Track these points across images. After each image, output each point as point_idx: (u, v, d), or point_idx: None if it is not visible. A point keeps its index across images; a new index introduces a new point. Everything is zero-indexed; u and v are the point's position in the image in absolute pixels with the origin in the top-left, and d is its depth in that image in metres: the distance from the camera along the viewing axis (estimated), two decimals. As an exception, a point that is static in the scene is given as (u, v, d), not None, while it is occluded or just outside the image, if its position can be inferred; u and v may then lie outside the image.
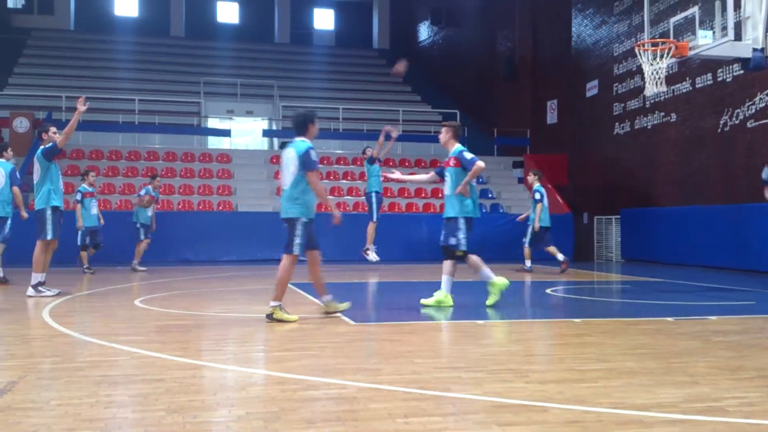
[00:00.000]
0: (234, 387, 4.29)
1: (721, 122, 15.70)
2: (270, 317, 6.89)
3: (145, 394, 4.01)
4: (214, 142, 23.77)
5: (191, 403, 3.83)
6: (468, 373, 4.70)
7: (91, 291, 10.05)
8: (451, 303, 8.02)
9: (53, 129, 9.40)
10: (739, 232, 14.42)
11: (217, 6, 35.48)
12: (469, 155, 8.10)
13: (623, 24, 19.40)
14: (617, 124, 19.61)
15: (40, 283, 9.08)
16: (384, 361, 4.97)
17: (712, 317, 7.25)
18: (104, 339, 5.81)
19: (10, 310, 7.96)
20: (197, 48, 30.87)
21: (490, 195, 20.61)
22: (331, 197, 7.41)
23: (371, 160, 14.86)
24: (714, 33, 11.25)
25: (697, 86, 16.49)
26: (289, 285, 11.03)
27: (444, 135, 8.50)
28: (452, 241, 8.05)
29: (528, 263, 14.07)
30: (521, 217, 15.05)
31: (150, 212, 14.32)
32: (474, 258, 8.05)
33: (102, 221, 13.85)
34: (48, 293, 9.01)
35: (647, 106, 18.27)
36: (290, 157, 7.11)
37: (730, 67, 15.10)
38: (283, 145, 24.04)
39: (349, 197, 19.66)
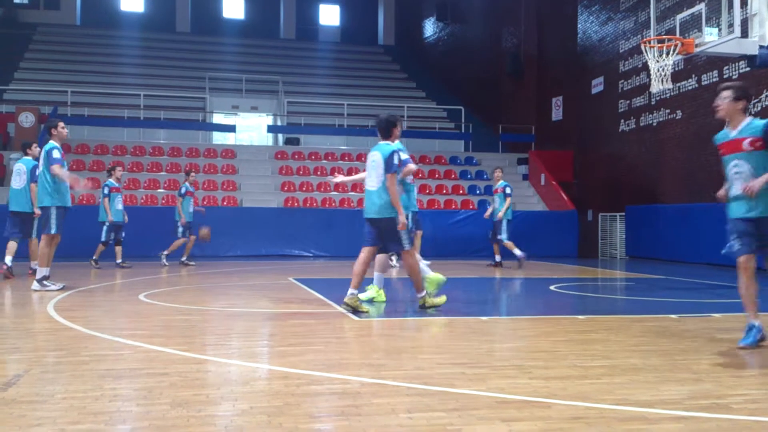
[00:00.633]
0: (238, 381, 4.30)
1: (727, 120, 15.64)
2: (423, 307, 7.24)
3: (149, 388, 4.02)
4: (218, 138, 23.79)
5: (195, 397, 3.84)
6: (472, 368, 4.70)
7: (96, 285, 10.07)
8: (383, 298, 8.12)
9: (62, 124, 9.42)
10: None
11: (223, 2, 35.48)
12: (404, 155, 8.20)
13: (629, 21, 19.34)
14: (622, 121, 19.56)
15: (45, 277, 9.11)
16: (388, 357, 4.98)
17: (717, 315, 7.24)
18: (109, 333, 5.82)
19: (15, 304, 7.98)
20: (203, 43, 30.88)
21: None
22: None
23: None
24: (720, 30, 11.21)
25: (703, 83, 16.44)
26: (292, 280, 11.06)
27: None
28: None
29: (518, 252, 13.96)
30: (487, 213, 14.86)
31: (191, 209, 14.42)
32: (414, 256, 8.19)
33: (126, 218, 13.90)
34: (53, 287, 9.03)
35: (653, 103, 18.22)
36: (377, 159, 7.48)
37: (737, 64, 15.05)
38: (288, 141, 24.04)
39: (353, 193, 19.65)
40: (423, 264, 8.10)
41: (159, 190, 19.00)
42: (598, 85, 20.72)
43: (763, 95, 14.56)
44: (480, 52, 27.47)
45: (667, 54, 11.35)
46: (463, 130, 24.49)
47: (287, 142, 23.39)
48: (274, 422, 3.39)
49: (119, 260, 13.40)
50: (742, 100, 5.64)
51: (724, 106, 5.69)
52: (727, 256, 5.70)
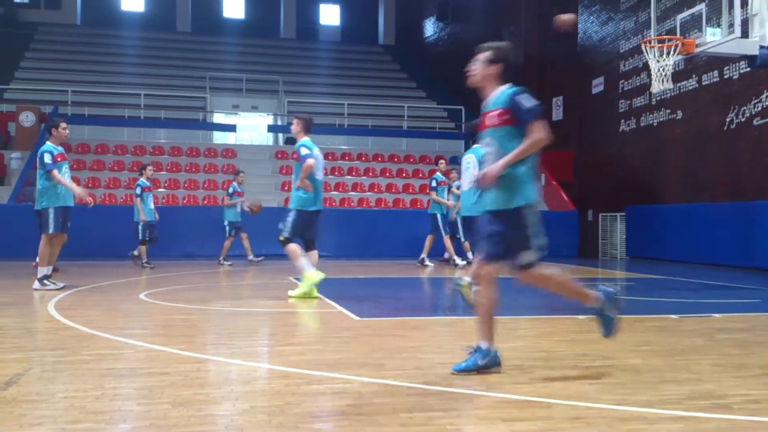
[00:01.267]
0: (238, 381, 4.30)
1: (728, 120, 15.65)
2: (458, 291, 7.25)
3: (150, 387, 4.02)
4: (219, 137, 23.79)
5: (196, 396, 3.84)
6: (472, 368, 4.70)
7: (96, 285, 10.07)
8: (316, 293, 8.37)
9: (63, 124, 9.41)
10: (745, 230, 14.39)
11: (223, 1, 35.47)
12: (304, 151, 8.30)
13: (630, 21, 19.34)
14: (623, 121, 19.56)
15: (46, 277, 9.12)
16: (388, 356, 4.98)
17: (717, 315, 7.24)
18: (109, 332, 5.83)
19: (16, 303, 7.98)
20: (203, 43, 30.88)
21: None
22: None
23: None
24: (721, 30, 11.21)
25: (703, 83, 16.44)
26: (293, 280, 11.05)
27: (295, 126, 8.68)
28: (280, 225, 8.43)
29: (470, 255, 13.84)
30: (452, 214, 14.65)
31: (238, 208, 14.43)
32: (292, 247, 8.32)
33: (157, 216, 13.91)
34: (53, 287, 9.04)
35: (653, 103, 18.21)
36: (471, 162, 7.85)
37: (737, 64, 15.04)
38: (288, 141, 24.02)
39: (353, 193, 19.66)
40: (303, 261, 8.32)
41: (160, 190, 19.00)
42: (598, 85, 20.71)
43: (764, 95, 14.55)
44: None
45: (668, 54, 11.36)
46: (463, 130, 24.49)
47: (288, 141, 23.39)
48: (275, 422, 3.39)
49: (144, 260, 13.39)
50: (497, 64, 4.50)
51: (477, 71, 4.57)
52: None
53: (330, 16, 36.67)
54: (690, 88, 16.84)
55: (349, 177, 20.78)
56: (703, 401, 3.82)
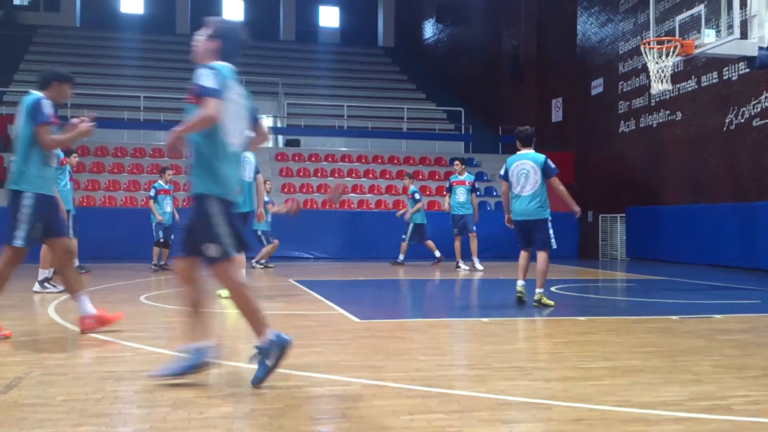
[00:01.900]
0: (239, 383, 4.30)
1: (727, 121, 15.65)
2: (538, 302, 7.88)
3: (150, 390, 4.02)
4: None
5: (197, 399, 3.84)
6: (472, 370, 4.71)
7: (96, 287, 10.06)
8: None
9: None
10: (745, 231, 14.39)
11: (223, 3, 35.49)
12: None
13: (629, 22, 19.35)
14: (622, 122, 19.57)
15: (47, 279, 9.12)
16: (388, 359, 4.97)
17: (718, 316, 7.24)
18: (110, 335, 5.82)
19: (16, 305, 7.97)
20: (202, 45, 30.85)
21: (494, 193, 20.57)
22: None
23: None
24: (720, 31, 11.21)
25: (702, 85, 16.45)
26: (293, 282, 11.06)
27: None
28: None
29: (401, 257, 15.07)
30: (400, 213, 15.73)
31: (269, 218, 14.40)
32: None
33: (177, 217, 13.87)
34: (53, 290, 9.04)
35: (653, 104, 18.22)
36: (528, 167, 8.40)
37: (736, 65, 15.05)
38: (288, 143, 23.99)
39: (353, 195, 19.65)
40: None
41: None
42: (597, 87, 20.72)
43: (763, 96, 14.56)
44: (480, 53, 27.47)
45: (667, 55, 11.36)
46: (463, 132, 24.50)
47: (287, 143, 23.40)
48: (276, 424, 3.39)
49: (163, 261, 13.39)
50: (215, 40, 4.36)
51: (198, 47, 4.41)
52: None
53: (329, 18, 36.69)
54: (689, 89, 16.84)
55: (348, 179, 20.78)
56: (703, 402, 3.82)
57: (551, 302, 8.01)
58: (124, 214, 17.04)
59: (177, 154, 4.31)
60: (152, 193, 13.51)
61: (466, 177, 14.19)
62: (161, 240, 13.41)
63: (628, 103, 19.34)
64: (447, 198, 14.37)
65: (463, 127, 24.52)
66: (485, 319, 7.10)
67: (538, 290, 7.97)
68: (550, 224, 8.43)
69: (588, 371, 4.58)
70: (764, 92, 14.53)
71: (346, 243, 17.17)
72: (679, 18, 12.00)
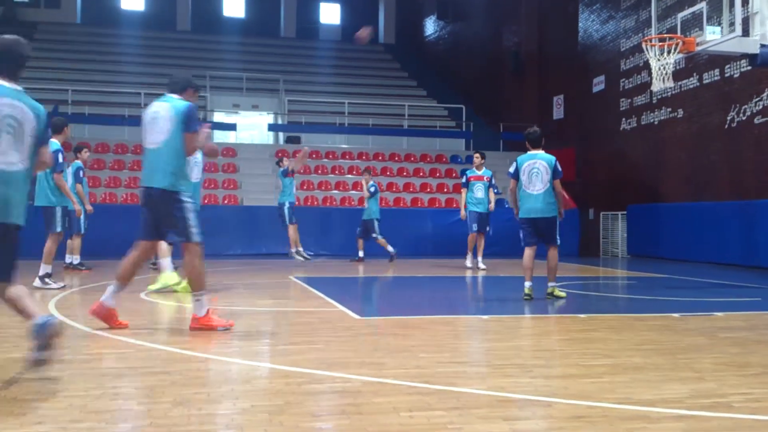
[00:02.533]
0: (239, 380, 4.30)
1: (728, 118, 15.63)
2: (551, 294, 8.32)
3: (151, 387, 4.02)
4: (219, 136, 23.76)
5: (197, 395, 3.83)
6: (472, 367, 4.70)
7: (96, 284, 10.06)
8: (178, 280, 8.45)
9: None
10: (746, 229, 14.38)
11: (223, 0, 35.47)
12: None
13: (630, 19, 19.32)
14: (624, 119, 19.55)
15: (48, 275, 9.12)
16: (388, 356, 4.97)
17: (719, 313, 7.23)
18: (110, 331, 5.82)
19: (16, 302, 7.97)
20: (203, 42, 30.85)
21: (496, 191, 20.55)
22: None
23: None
24: (721, 29, 11.19)
25: (704, 82, 16.43)
26: (293, 279, 11.06)
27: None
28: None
29: (360, 253, 15.22)
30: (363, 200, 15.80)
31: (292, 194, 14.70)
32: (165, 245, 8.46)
33: None
34: (54, 286, 9.04)
35: (654, 101, 18.20)
36: (540, 166, 8.56)
37: (738, 63, 15.03)
38: (289, 140, 23.97)
39: (354, 192, 19.63)
40: (166, 260, 8.50)
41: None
42: (599, 84, 20.70)
43: (765, 94, 14.54)
44: (481, 50, 27.45)
45: (669, 52, 11.33)
46: (464, 129, 24.47)
47: (288, 140, 23.37)
48: (275, 421, 3.38)
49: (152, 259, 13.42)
50: None
51: None
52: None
53: (330, 14, 36.65)
54: (691, 86, 16.83)
55: (349, 176, 20.76)
56: (704, 400, 3.82)
57: (563, 293, 8.35)
58: (125, 210, 17.01)
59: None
60: None
61: (484, 172, 13.57)
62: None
63: (629, 100, 19.32)
64: (463, 194, 13.64)
65: (464, 124, 24.49)
66: (486, 317, 7.10)
67: (550, 284, 8.34)
68: (557, 222, 8.61)
69: (589, 368, 4.58)
70: (766, 90, 14.51)
71: (347, 240, 17.13)
72: (680, 15, 11.97)
